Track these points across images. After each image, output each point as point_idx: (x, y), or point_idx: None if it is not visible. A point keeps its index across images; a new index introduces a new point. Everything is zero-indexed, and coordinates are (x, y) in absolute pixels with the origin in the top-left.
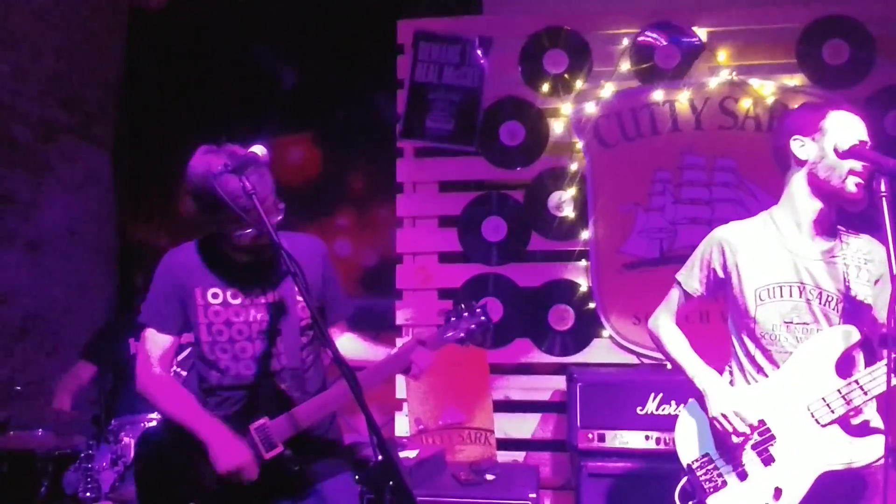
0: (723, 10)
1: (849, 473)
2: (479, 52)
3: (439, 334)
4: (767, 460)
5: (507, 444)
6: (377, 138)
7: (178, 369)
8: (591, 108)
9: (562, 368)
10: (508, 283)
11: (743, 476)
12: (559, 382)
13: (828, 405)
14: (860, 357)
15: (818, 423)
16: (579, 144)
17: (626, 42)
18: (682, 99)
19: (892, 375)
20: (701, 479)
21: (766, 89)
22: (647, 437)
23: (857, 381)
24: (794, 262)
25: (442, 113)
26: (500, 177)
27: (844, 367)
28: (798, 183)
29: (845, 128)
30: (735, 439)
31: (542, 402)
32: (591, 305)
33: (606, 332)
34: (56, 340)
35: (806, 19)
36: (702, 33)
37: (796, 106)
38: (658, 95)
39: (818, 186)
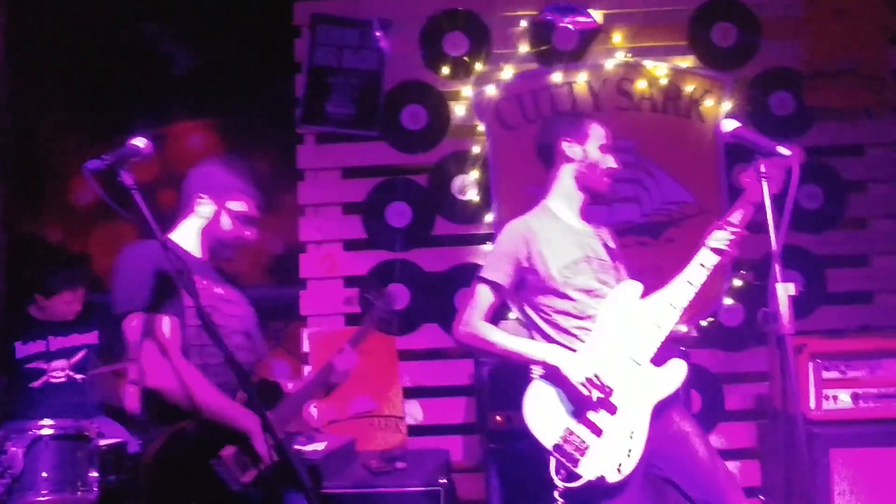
0: None
1: (667, 398)
2: (378, 34)
3: (359, 330)
4: (612, 410)
5: (418, 430)
6: (277, 124)
7: (73, 373)
8: (491, 91)
9: (470, 352)
10: (415, 268)
11: (599, 432)
12: (468, 366)
13: (640, 346)
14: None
15: (638, 364)
16: (481, 127)
17: (524, 24)
18: (581, 81)
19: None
20: (568, 451)
21: (659, 70)
22: None
23: (654, 322)
24: (578, 240)
25: (342, 97)
26: (404, 161)
27: (639, 313)
28: (567, 178)
29: (601, 135)
30: (597, 397)
31: (451, 387)
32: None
33: (513, 315)
34: None
35: (696, 2)
36: (598, 16)
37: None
38: (557, 77)
39: (582, 181)
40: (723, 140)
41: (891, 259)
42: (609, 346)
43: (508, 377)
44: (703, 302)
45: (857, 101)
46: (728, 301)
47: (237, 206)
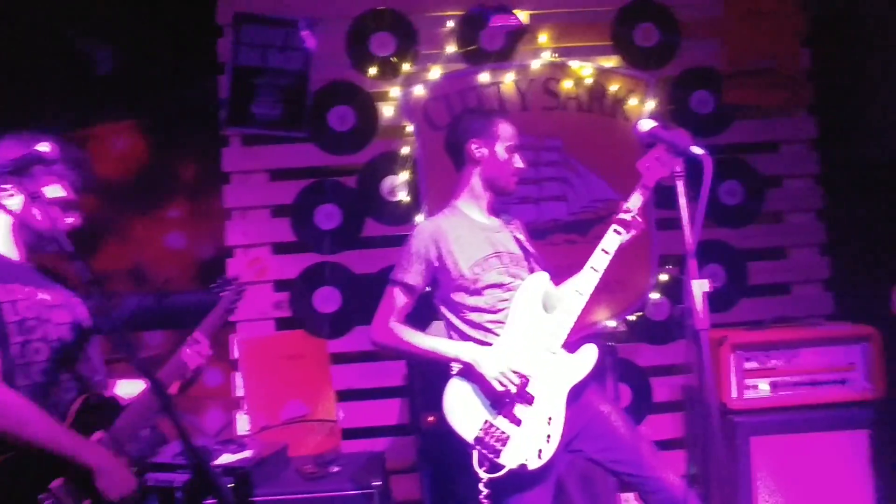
0: None
1: (582, 382)
2: (304, 34)
3: (209, 321)
4: (530, 400)
5: (352, 432)
6: (202, 125)
7: None
8: (419, 91)
9: (388, 354)
10: (345, 270)
11: (518, 422)
12: (401, 367)
13: (552, 335)
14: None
15: (552, 352)
16: (410, 128)
17: (451, 24)
18: (508, 80)
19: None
20: (489, 443)
21: (585, 70)
22: None
23: (563, 310)
24: (487, 237)
25: (268, 98)
26: (332, 163)
27: (548, 303)
28: (476, 179)
29: (510, 134)
30: (513, 389)
31: (385, 388)
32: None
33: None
34: None
35: (619, 3)
36: (523, 16)
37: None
38: (484, 77)
39: (489, 181)
40: (641, 139)
41: (806, 251)
42: (522, 337)
43: (440, 378)
44: (630, 298)
45: (772, 100)
46: (655, 296)
47: (50, 191)
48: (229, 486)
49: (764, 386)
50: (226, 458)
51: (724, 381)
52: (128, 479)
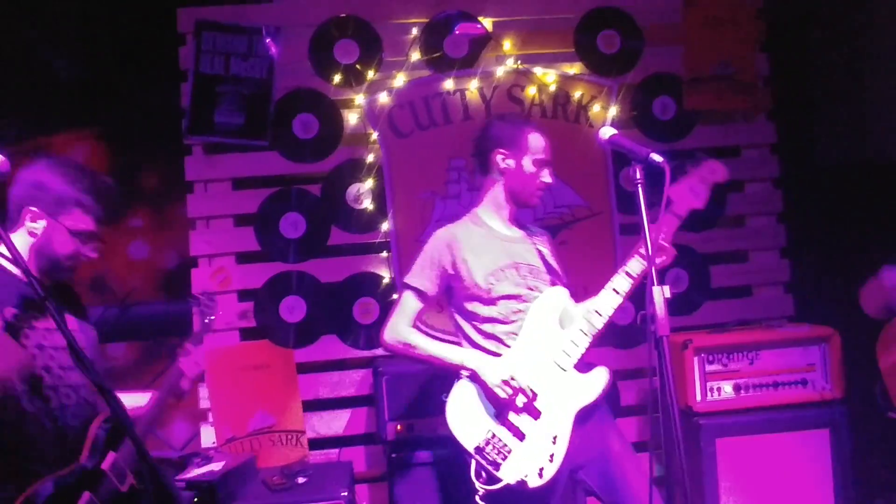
0: (505, 1)
1: (592, 406)
2: (267, 41)
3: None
4: (536, 415)
5: (319, 442)
6: (164, 134)
7: None
8: (384, 98)
9: (370, 361)
10: (311, 279)
11: (521, 436)
12: (368, 376)
13: (565, 352)
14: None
15: (563, 369)
16: (375, 135)
17: (415, 31)
18: (472, 87)
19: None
20: (489, 455)
21: (549, 77)
22: None
23: (580, 329)
24: (506, 247)
25: (231, 106)
26: (297, 171)
27: (565, 319)
28: (499, 189)
29: (539, 147)
30: (519, 402)
31: (352, 397)
32: (395, 296)
33: None
34: None
35: (581, 10)
36: (487, 23)
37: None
38: (449, 84)
39: (512, 194)
40: (603, 146)
41: (767, 254)
42: (534, 351)
43: (407, 386)
44: None
45: (732, 105)
46: None
47: (74, 222)
48: (193, 500)
49: (727, 388)
50: (192, 472)
51: (689, 384)
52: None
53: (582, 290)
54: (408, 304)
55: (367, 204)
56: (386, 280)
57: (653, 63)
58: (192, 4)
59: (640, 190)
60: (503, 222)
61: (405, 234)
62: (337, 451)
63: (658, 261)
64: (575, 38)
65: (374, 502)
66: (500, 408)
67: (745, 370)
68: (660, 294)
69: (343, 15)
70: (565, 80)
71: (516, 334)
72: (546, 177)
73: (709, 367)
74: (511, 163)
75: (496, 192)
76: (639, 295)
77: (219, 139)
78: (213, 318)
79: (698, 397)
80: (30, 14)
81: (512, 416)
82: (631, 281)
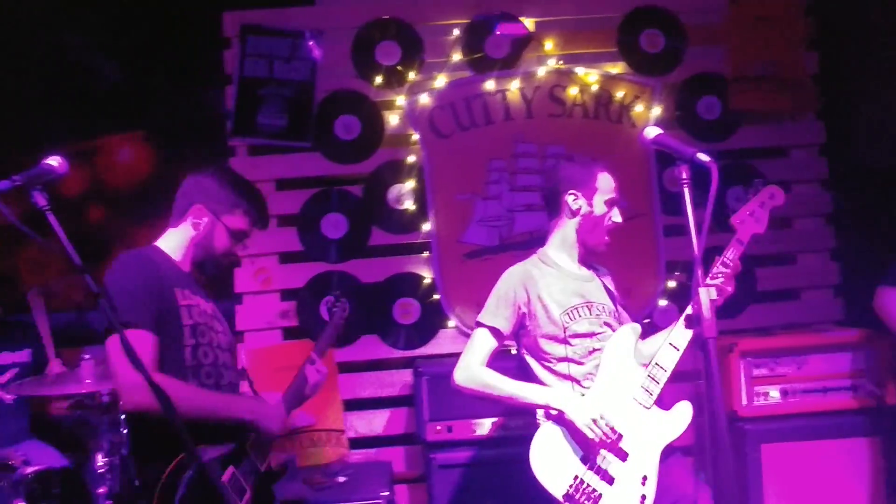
0: (547, 1)
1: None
2: (310, 44)
3: (323, 340)
4: (623, 456)
5: (359, 442)
6: (209, 136)
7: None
8: (425, 99)
9: (410, 362)
10: (351, 279)
11: (611, 480)
12: (408, 376)
13: (646, 390)
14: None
15: (645, 407)
16: (415, 136)
17: (456, 32)
18: (513, 88)
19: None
20: (580, 501)
21: (591, 77)
22: (493, 424)
23: (656, 363)
24: (578, 286)
25: (274, 108)
26: (338, 172)
27: (639, 355)
28: (570, 230)
29: (609, 187)
30: (605, 439)
31: (392, 398)
32: (436, 297)
33: (452, 323)
34: None
35: (624, 9)
36: (529, 23)
37: (622, 93)
38: (490, 85)
39: (582, 236)
40: (647, 146)
41: (814, 257)
42: (614, 390)
43: (447, 387)
44: (638, 304)
45: (779, 105)
46: (662, 302)
47: (235, 222)
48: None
49: (774, 393)
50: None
51: (734, 389)
52: (281, 415)
53: (624, 293)
54: (482, 344)
55: (408, 204)
56: (426, 280)
57: (696, 62)
58: (236, 8)
59: (685, 190)
60: (573, 261)
61: (445, 234)
62: (376, 451)
63: (728, 289)
64: (617, 38)
65: (412, 503)
66: (586, 451)
67: (792, 375)
68: (706, 295)
69: (384, 17)
70: (608, 79)
71: (593, 374)
72: (616, 216)
73: (755, 371)
74: (582, 203)
75: (566, 233)
76: (682, 296)
77: (262, 141)
78: (340, 322)
79: (744, 401)
80: (79, 21)
81: (599, 459)
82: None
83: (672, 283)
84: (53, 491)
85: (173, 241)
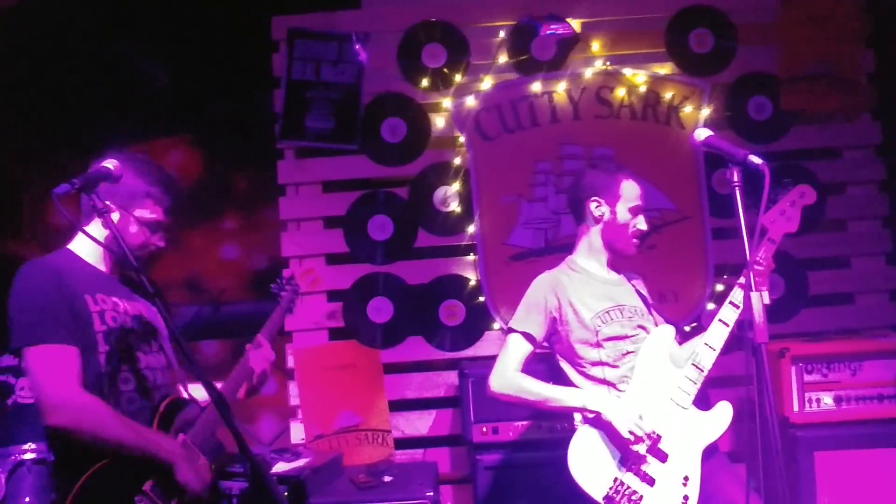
0: (594, 1)
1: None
2: (356, 47)
3: (272, 322)
4: (663, 457)
5: (404, 442)
6: (257, 139)
7: None
8: (471, 102)
9: (455, 363)
10: (397, 281)
11: (651, 481)
12: (453, 377)
13: (683, 390)
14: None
15: (683, 408)
16: (461, 138)
17: (502, 34)
18: (560, 89)
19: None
20: (620, 503)
21: (638, 78)
22: (539, 427)
23: (693, 364)
24: (607, 290)
25: (321, 111)
26: (384, 174)
27: (676, 356)
28: (595, 237)
29: (633, 195)
30: (645, 441)
31: (437, 399)
32: (481, 299)
33: (497, 325)
34: None
35: (672, 9)
36: (575, 24)
37: (666, 91)
38: (536, 87)
39: (608, 242)
40: (699, 148)
41: (870, 260)
42: (650, 392)
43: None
44: (685, 308)
45: (832, 105)
46: (710, 306)
47: (146, 213)
48: (284, 494)
49: (827, 400)
50: (281, 467)
51: (785, 395)
52: (205, 472)
53: (672, 297)
54: (515, 349)
55: (454, 207)
56: (472, 282)
57: (747, 62)
58: (284, 13)
59: (737, 193)
60: (602, 267)
61: (491, 236)
62: (421, 451)
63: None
64: (666, 38)
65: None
66: (625, 452)
67: (846, 381)
68: (758, 300)
69: (430, 19)
70: (656, 80)
71: (628, 377)
72: (641, 223)
73: (807, 377)
74: (605, 210)
75: (592, 239)
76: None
77: (309, 143)
78: (292, 306)
79: (795, 408)
80: (131, 28)
81: (638, 461)
82: (737, 311)
83: (720, 287)
84: None
85: (87, 243)
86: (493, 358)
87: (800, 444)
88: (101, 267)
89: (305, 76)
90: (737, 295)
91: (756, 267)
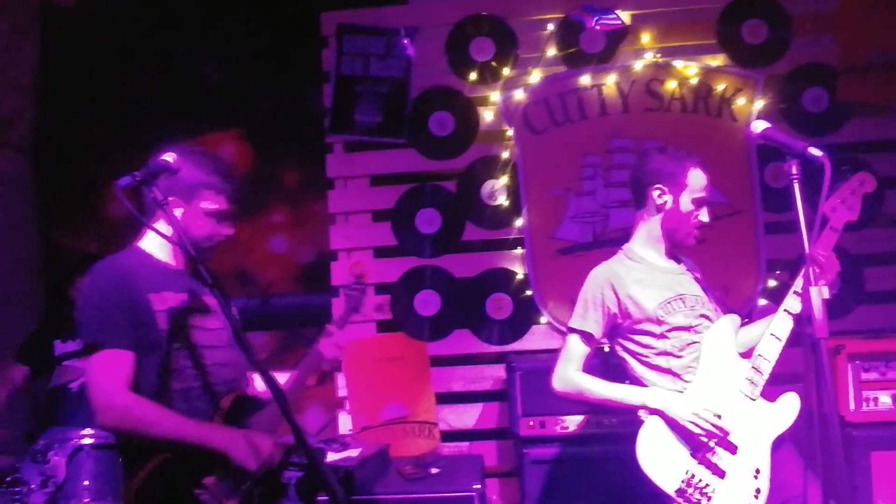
0: None
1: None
2: (404, 42)
3: (344, 314)
4: (733, 449)
5: (451, 435)
6: (306, 133)
7: None
8: (519, 95)
9: (502, 357)
10: (445, 274)
11: (722, 474)
12: (500, 371)
13: (750, 381)
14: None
15: (751, 399)
16: (509, 132)
17: (550, 27)
18: (609, 82)
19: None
20: (692, 497)
21: (689, 70)
22: (587, 422)
23: (759, 354)
24: (668, 279)
25: (369, 106)
26: (432, 168)
27: (740, 346)
28: (655, 225)
29: (699, 185)
30: (712, 431)
31: (484, 392)
32: (528, 293)
33: (544, 319)
34: None
35: (724, 0)
36: (625, 16)
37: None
38: (585, 80)
39: (668, 232)
40: (753, 141)
41: None
42: (717, 383)
43: (540, 382)
44: (737, 303)
45: (891, 96)
46: (762, 302)
47: (209, 204)
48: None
49: (885, 398)
50: (330, 457)
51: (841, 393)
52: (262, 446)
53: (723, 291)
54: (574, 349)
55: (502, 200)
56: (519, 276)
57: (802, 53)
58: (333, 9)
59: (795, 185)
60: (661, 256)
61: (539, 230)
62: (467, 444)
63: (825, 278)
64: (717, 29)
65: (503, 497)
66: (694, 445)
67: None
68: (817, 294)
69: (478, 13)
70: (707, 72)
71: (693, 367)
72: (704, 216)
73: (864, 376)
74: (668, 199)
75: (651, 227)
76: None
77: (358, 137)
78: (359, 305)
79: (851, 406)
80: (184, 25)
81: (709, 455)
82: (799, 301)
83: (772, 282)
84: None
85: (155, 239)
86: (540, 352)
87: (856, 443)
88: (172, 262)
89: (354, 71)
90: (799, 283)
91: (819, 258)
